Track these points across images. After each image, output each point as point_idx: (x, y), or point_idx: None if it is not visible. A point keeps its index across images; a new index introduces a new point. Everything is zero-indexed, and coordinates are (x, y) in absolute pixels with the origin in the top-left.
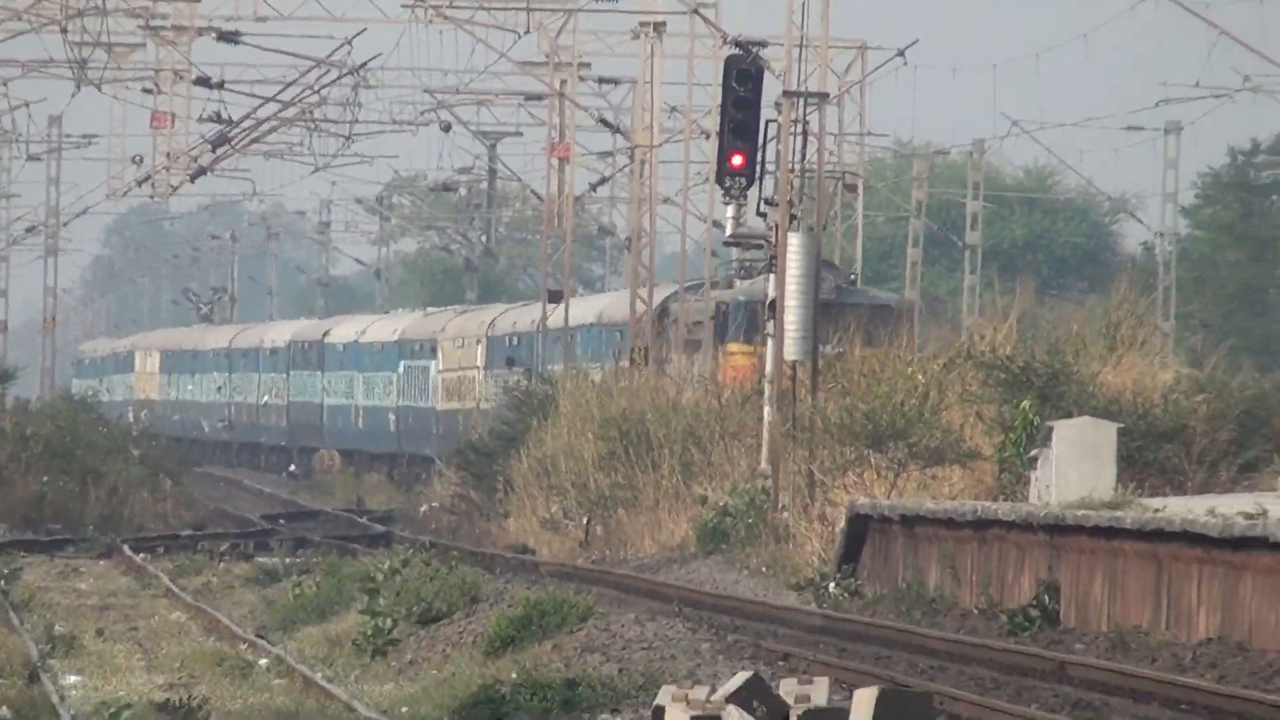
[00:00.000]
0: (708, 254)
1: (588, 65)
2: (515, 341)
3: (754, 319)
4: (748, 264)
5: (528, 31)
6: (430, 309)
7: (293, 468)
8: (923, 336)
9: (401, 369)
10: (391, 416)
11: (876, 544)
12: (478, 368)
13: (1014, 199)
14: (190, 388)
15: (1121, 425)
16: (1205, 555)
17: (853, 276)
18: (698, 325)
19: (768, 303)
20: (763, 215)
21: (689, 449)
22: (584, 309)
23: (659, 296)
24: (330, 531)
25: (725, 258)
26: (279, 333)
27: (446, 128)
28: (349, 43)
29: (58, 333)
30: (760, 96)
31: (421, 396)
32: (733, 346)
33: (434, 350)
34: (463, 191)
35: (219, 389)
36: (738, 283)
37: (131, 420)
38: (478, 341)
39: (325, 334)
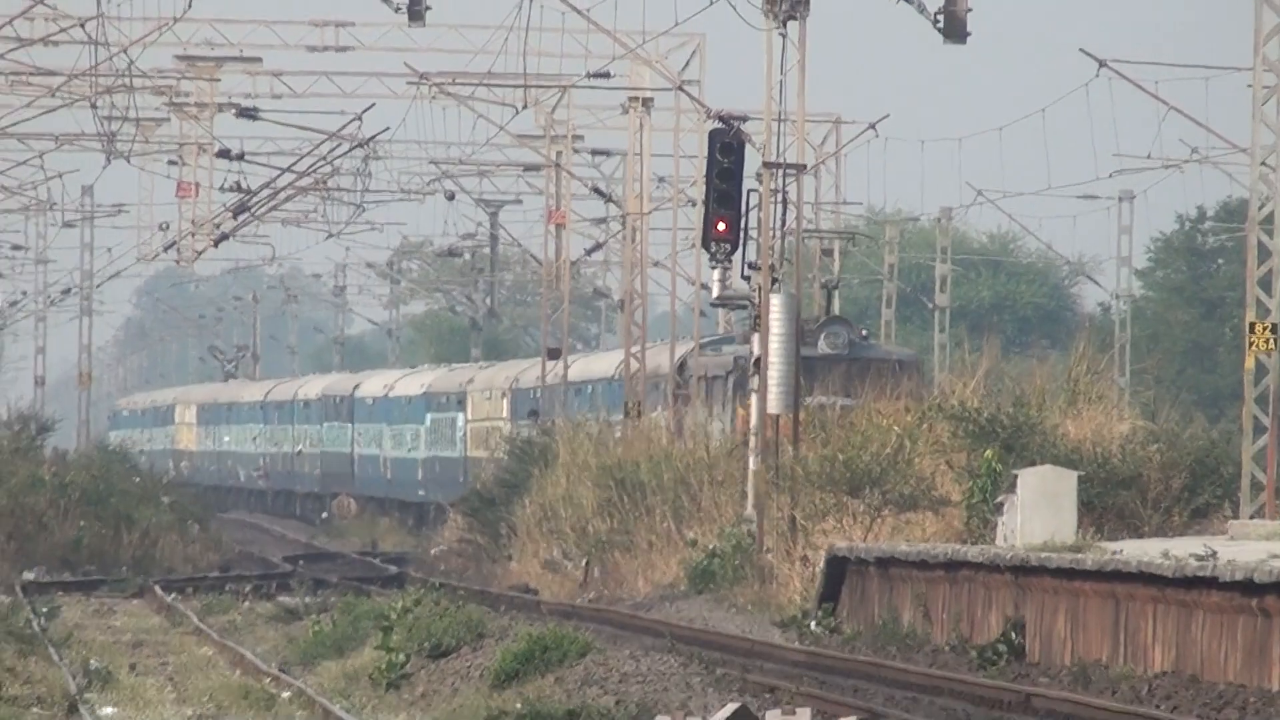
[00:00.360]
0: (696, 314)
1: (581, 138)
2: (537, 394)
3: None
4: (744, 322)
5: (525, 107)
6: (455, 365)
7: (325, 515)
8: (897, 390)
9: (428, 421)
10: (419, 466)
11: (854, 584)
12: (504, 419)
13: (979, 263)
14: (227, 439)
15: (1081, 473)
16: (1160, 594)
17: (865, 333)
18: (716, 380)
19: (752, 360)
20: (746, 278)
21: (680, 496)
22: (603, 364)
23: (679, 352)
24: (347, 573)
25: (713, 318)
26: (312, 387)
27: (451, 196)
28: (359, 118)
29: (92, 388)
30: (742, 167)
31: (449, 446)
32: (751, 400)
33: (461, 402)
34: (467, 256)
35: (254, 439)
36: (755, 338)
37: (171, 469)
38: (503, 394)
39: (355, 388)
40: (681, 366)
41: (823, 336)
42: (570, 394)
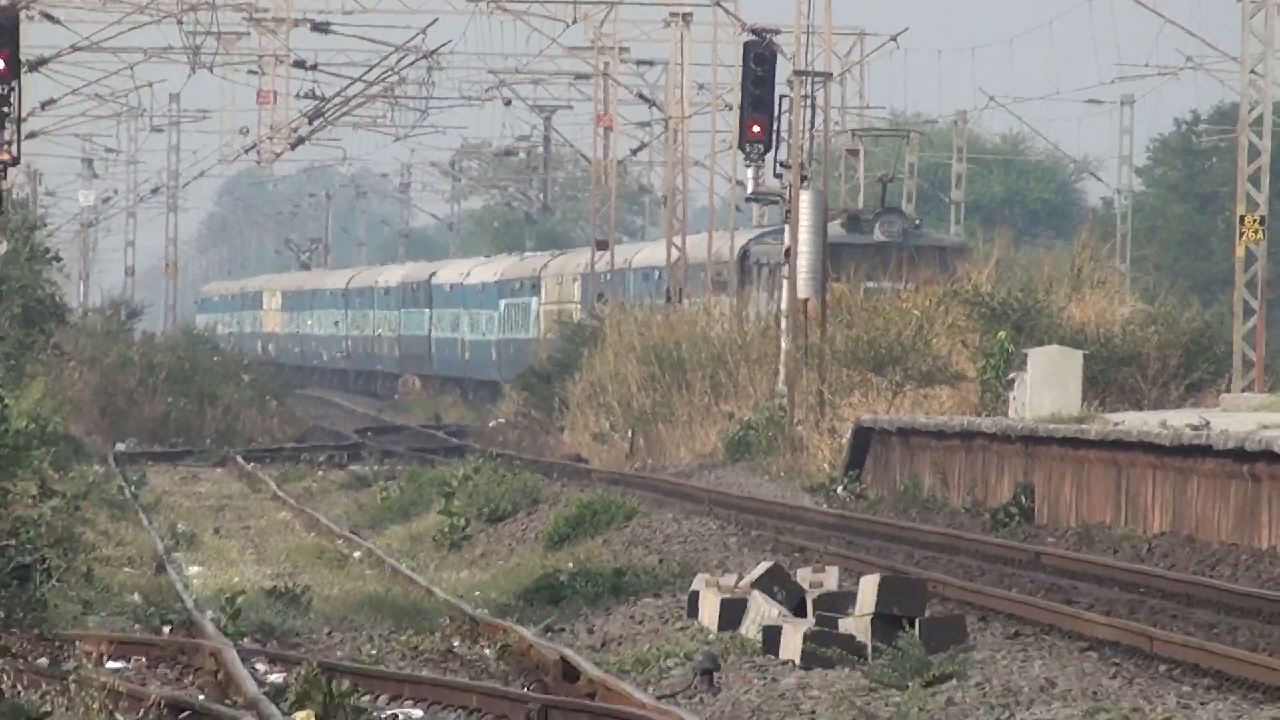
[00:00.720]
0: (732, 209)
1: (627, 49)
2: (607, 278)
3: (832, 258)
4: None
5: (575, 21)
6: (526, 254)
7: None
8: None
9: (502, 307)
10: (493, 348)
11: (878, 453)
12: (575, 302)
13: (992, 162)
14: (310, 323)
15: (1086, 352)
16: (1158, 461)
17: (918, 222)
18: (778, 266)
19: (784, 249)
20: (778, 176)
21: (717, 373)
22: (661, 252)
23: (740, 240)
24: (412, 444)
25: (748, 213)
26: (391, 275)
27: (508, 102)
28: (423, 32)
29: (177, 278)
30: (774, 75)
31: (523, 329)
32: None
33: (535, 287)
34: (522, 156)
35: (336, 324)
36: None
37: (258, 350)
38: (574, 280)
39: (431, 275)
40: (745, 254)
41: (878, 225)
42: (640, 279)
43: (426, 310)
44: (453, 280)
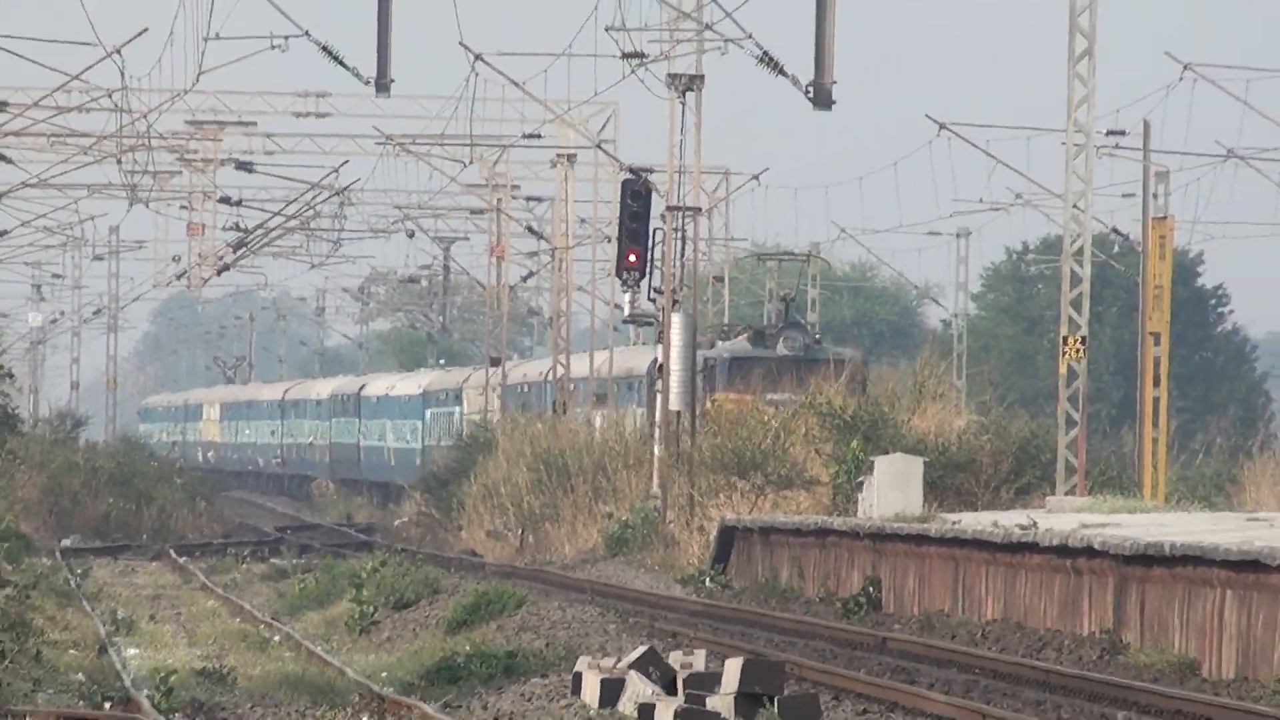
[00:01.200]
0: (611, 330)
1: (518, 187)
2: (525, 389)
3: (738, 371)
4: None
5: (471, 162)
6: (450, 368)
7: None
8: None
9: (428, 416)
10: (418, 455)
11: (741, 549)
12: (494, 411)
13: (843, 287)
14: (248, 432)
15: (926, 459)
16: (991, 557)
17: (818, 337)
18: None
19: (656, 365)
20: (652, 300)
21: (598, 477)
22: (587, 365)
23: (650, 357)
24: (326, 540)
25: (625, 333)
26: (323, 388)
27: (411, 234)
28: (335, 171)
29: (117, 391)
30: (649, 210)
31: (446, 437)
32: (720, 396)
33: (458, 398)
34: (424, 283)
35: (273, 433)
36: (719, 343)
37: (199, 458)
38: (494, 390)
39: (361, 388)
40: (659, 365)
41: (781, 340)
42: (553, 389)
43: (356, 420)
44: (380, 393)
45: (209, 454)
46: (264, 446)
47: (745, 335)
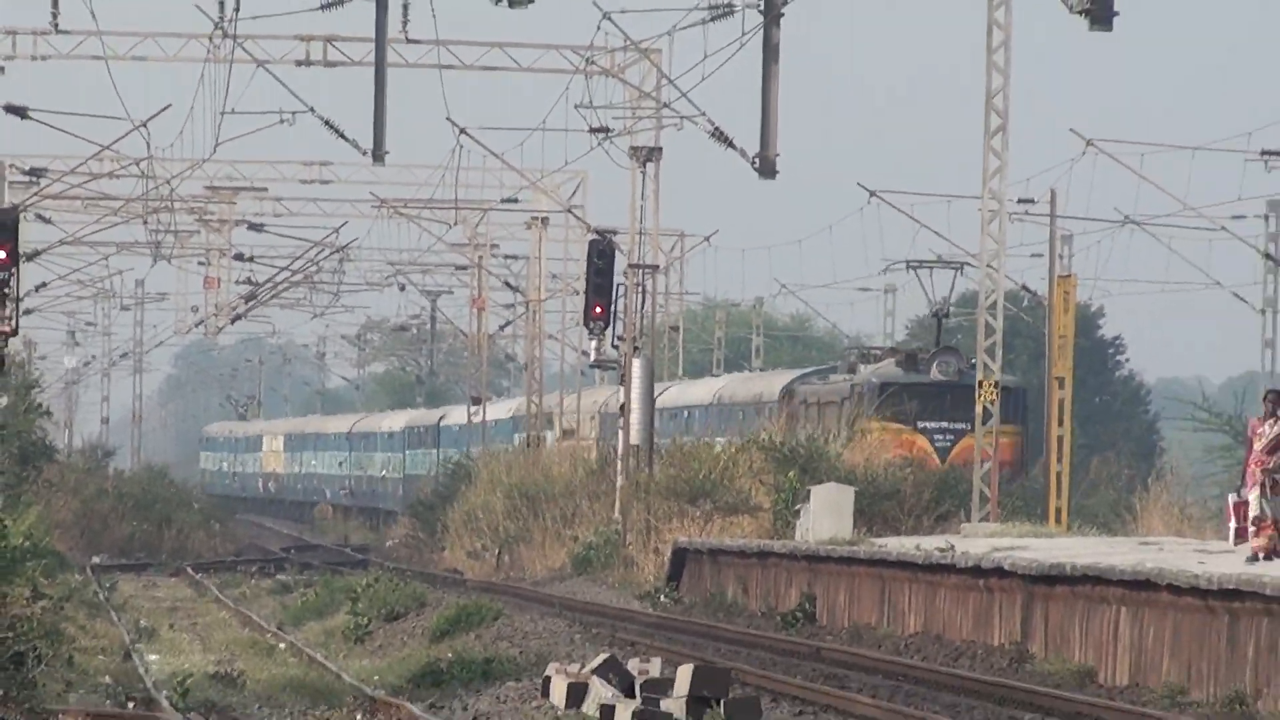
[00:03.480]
0: (579, 374)
1: (497, 246)
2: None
3: (889, 398)
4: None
5: (456, 224)
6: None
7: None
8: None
9: (516, 440)
10: None
11: (692, 568)
12: (590, 438)
13: (783, 337)
14: (314, 463)
15: (857, 489)
16: (913, 576)
17: (972, 362)
18: (830, 406)
19: (620, 406)
20: (615, 347)
21: (566, 504)
22: (700, 391)
23: (780, 382)
24: (326, 559)
25: (591, 377)
26: (394, 421)
27: (402, 288)
28: (336, 231)
29: (141, 426)
30: (613, 267)
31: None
32: (870, 423)
33: (549, 423)
34: (414, 331)
35: (340, 464)
36: (861, 368)
37: (260, 488)
38: (591, 418)
39: (440, 419)
40: (789, 393)
41: (935, 365)
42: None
43: (435, 450)
44: (461, 421)
45: (270, 484)
46: (330, 477)
47: (894, 359)
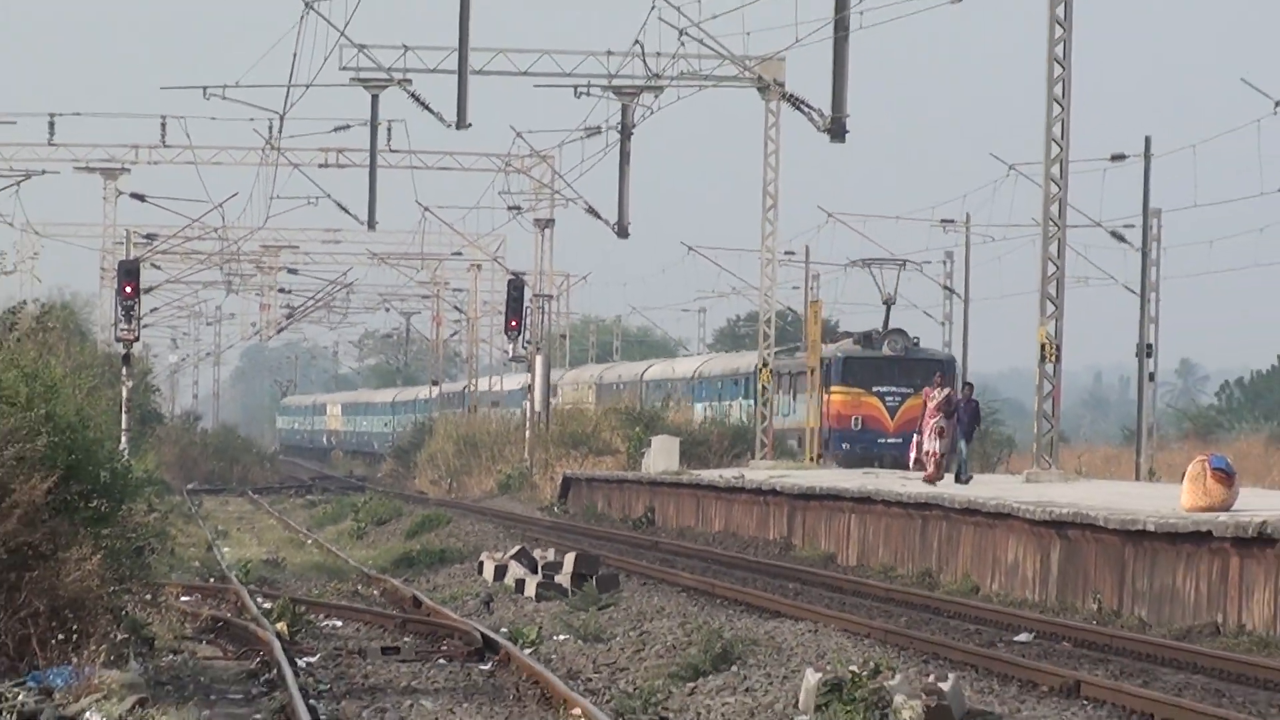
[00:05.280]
0: (503, 365)
1: (449, 283)
2: (620, 386)
3: (850, 369)
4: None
5: (422, 269)
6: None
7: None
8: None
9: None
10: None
11: (576, 490)
12: (589, 403)
13: (633, 342)
14: (365, 424)
15: (681, 438)
16: (718, 495)
17: (916, 339)
18: (800, 376)
19: (528, 385)
20: (524, 349)
21: (495, 448)
22: (682, 367)
23: (753, 361)
24: (337, 485)
25: (511, 367)
26: (424, 391)
27: (387, 310)
28: (344, 274)
29: (219, 400)
30: (523, 296)
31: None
32: (835, 388)
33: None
34: (395, 338)
35: (385, 424)
36: (827, 346)
37: (324, 442)
38: (589, 386)
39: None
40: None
41: (886, 342)
42: (472, 397)
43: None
44: (484, 388)
45: (331, 439)
46: (378, 435)
47: (853, 339)
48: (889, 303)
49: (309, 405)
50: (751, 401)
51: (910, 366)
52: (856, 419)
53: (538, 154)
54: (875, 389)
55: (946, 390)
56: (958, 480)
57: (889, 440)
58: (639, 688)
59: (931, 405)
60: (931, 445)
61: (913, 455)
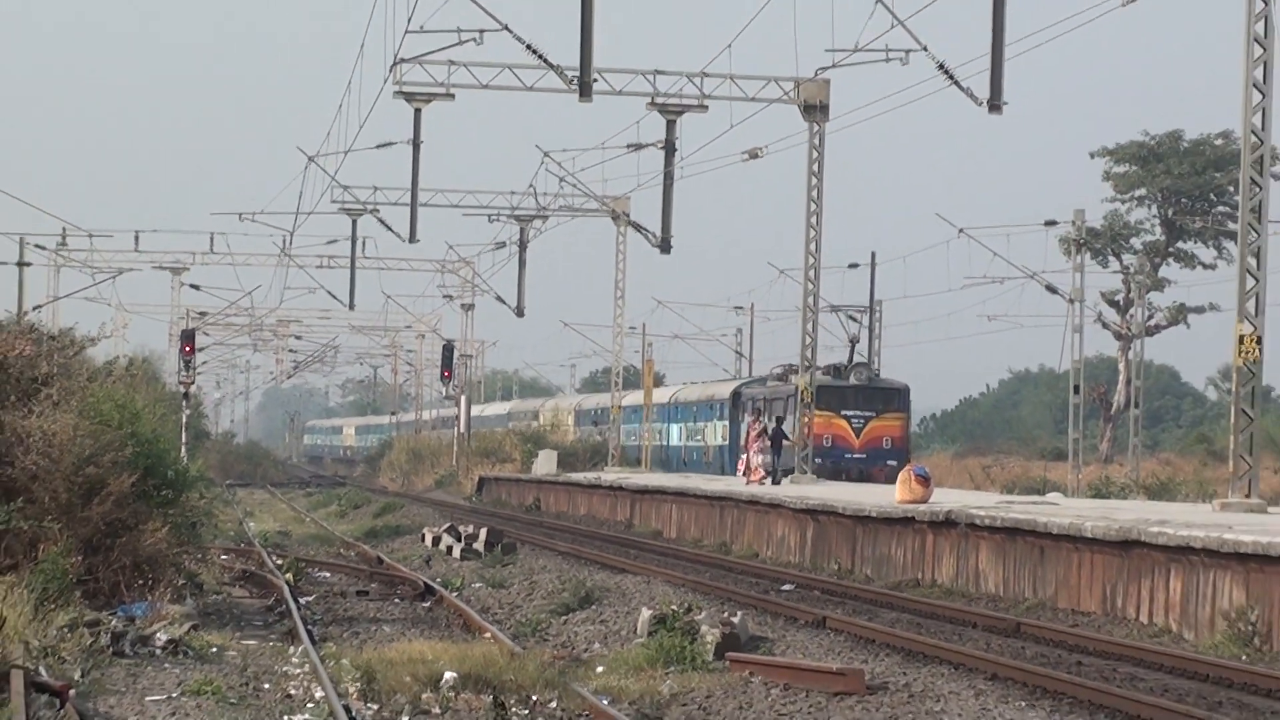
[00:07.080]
0: (443, 397)
1: (402, 347)
2: (598, 413)
3: (823, 395)
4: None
5: (386, 339)
6: (529, 398)
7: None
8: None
9: (509, 425)
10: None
11: (489, 488)
12: (570, 426)
13: (526, 388)
14: (372, 439)
15: (559, 450)
16: (583, 489)
17: (878, 369)
18: (776, 401)
19: (459, 414)
20: (454, 390)
21: (433, 457)
22: (658, 396)
23: (727, 390)
24: (327, 482)
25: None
26: (386, 419)
27: (362, 365)
28: (332, 340)
29: (248, 424)
30: (453, 355)
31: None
32: (819, 413)
33: (537, 415)
34: (366, 382)
35: (364, 440)
36: (792, 378)
37: (341, 454)
38: (569, 412)
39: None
40: (736, 395)
41: (853, 373)
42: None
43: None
44: (479, 413)
45: (347, 451)
46: (358, 449)
47: (823, 369)
48: (854, 341)
49: (329, 427)
50: (726, 423)
51: (871, 394)
52: (827, 437)
53: (464, 260)
54: (843, 412)
55: (763, 424)
56: (774, 482)
57: (854, 455)
58: (529, 619)
59: (753, 434)
60: (757, 460)
61: (741, 468)
